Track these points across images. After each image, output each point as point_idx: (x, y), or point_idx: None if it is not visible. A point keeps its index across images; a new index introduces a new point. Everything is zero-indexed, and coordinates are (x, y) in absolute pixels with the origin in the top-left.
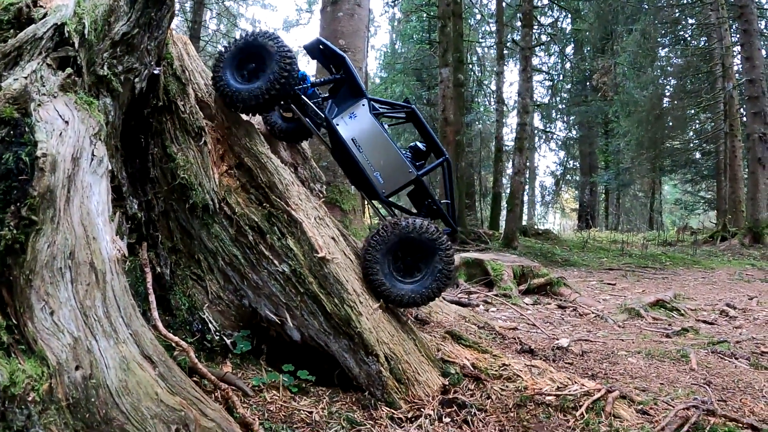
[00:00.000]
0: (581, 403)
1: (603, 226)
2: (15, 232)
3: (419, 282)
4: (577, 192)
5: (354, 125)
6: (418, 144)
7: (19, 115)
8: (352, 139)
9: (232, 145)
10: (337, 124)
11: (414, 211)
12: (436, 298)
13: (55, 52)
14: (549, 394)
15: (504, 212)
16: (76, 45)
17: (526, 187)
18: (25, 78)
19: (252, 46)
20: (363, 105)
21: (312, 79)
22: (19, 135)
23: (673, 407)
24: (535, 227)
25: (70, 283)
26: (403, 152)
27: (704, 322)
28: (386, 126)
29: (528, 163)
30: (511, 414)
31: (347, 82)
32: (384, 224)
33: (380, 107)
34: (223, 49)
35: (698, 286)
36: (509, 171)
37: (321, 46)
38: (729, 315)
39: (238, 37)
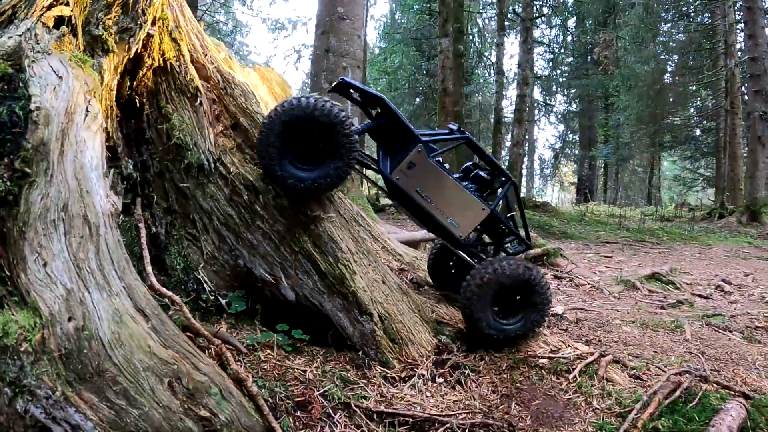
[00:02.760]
0: (574, 367)
1: (601, 200)
2: (8, 184)
3: (520, 322)
4: (576, 165)
5: (415, 175)
6: (480, 173)
7: (13, 71)
8: (417, 190)
9: (228, 106)
10: (397, 178)
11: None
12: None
13: (50, 11)
14: (542, 357)
15: None
16: (71, 4)
17: (525, 159)
18: (20, 35)
19: (305, 121)
20: (419, 151)
21: (356, 127)
22: (13, 89)
23: (666, 373)
24: (533, 199)
25: (64, 235)
26: (470, 188)
27: (699, 296)
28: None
29: (527, 136)
30: (504, 375)
31: (392, 126)
32: (485, 270)
33: (436, 146)
34: (268, 123)
35: (694, 262)
36: (508, 143)
37: (351, 89)
38: (724, 290)
39: (280, 108)
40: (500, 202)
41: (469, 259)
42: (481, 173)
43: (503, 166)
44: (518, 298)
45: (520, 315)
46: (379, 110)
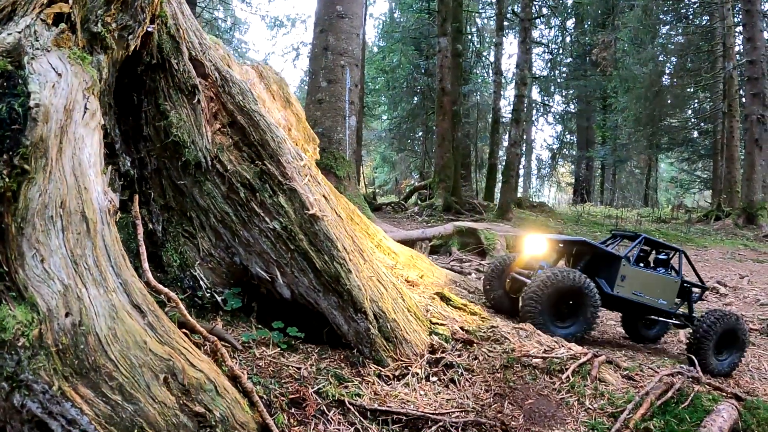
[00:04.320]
0: (567, 367)
1: (598, 201)
2: (7, 180)
3: (729, 359)
4: (573, 166)
5: (628, 283)
6: (659, 256)
7: (13, 68)
8: (633, 293)
9: (225, 103)
10: (618, 293)
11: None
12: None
13: (49, 8)
14: (536, 357)
15: (499, 184)
16: (70, 1)
17: (523, 159)
18: (19, 32)
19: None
20: (624, 265)
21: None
22: (12, 86)
23: (659, 373)
24: (530, 200)
25: (61, 231)
26: (661, 271)
27: None
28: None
29: (525, 136)
30: (498, 375)
31: (597, 257)
32: (710, 321)
33: (631, 254)
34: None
35: None
36: (506, 143)
37: (561, 244)
38: (719, 292)
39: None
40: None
41: (675, 321)
42: (660, 256)
43: (673, 245)
44: (728, 341)
45: (728, 353)
46: (580, 247)
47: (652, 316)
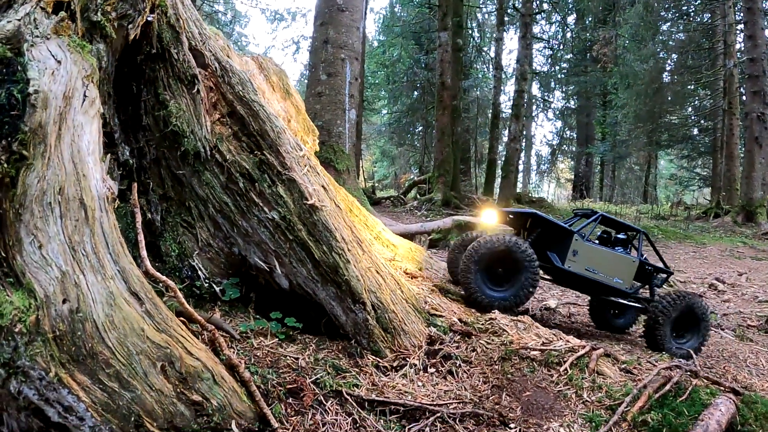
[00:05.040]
0: (565, 359)
1: (597, 197)
2: (6, 166)
3: (692, 341)
4: (572, 162)
5: (580, 259)
6: (618, 236)
7: (12, 55)
8: (586, 269)
9: (225, 93)
10: (570, 267)
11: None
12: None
13: None
14: (534, 349)
15: (499, 179)
16: None
17: (522, 155)
18: (19, 20)
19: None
20: (576, 240)
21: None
22: (11, 73)
23: (656, 367)
24: (530, 195)
25: (59, 218)
26: (619, 250)
27: None
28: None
29: (524, 132)
30: (496, 367)
31: (549, 230)
32: (665, 302)
33: (585, 231)
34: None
35: (689, 260)
36: (505, 138)
37: (510, 216)
38: (718, 289)
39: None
40: (641, 251)
41: (635, 304)
42: (619, 236)
43: (631, 224)
44: (687, 323)
45: (689, 335)
46: (531, 221)
47: (610, 298)
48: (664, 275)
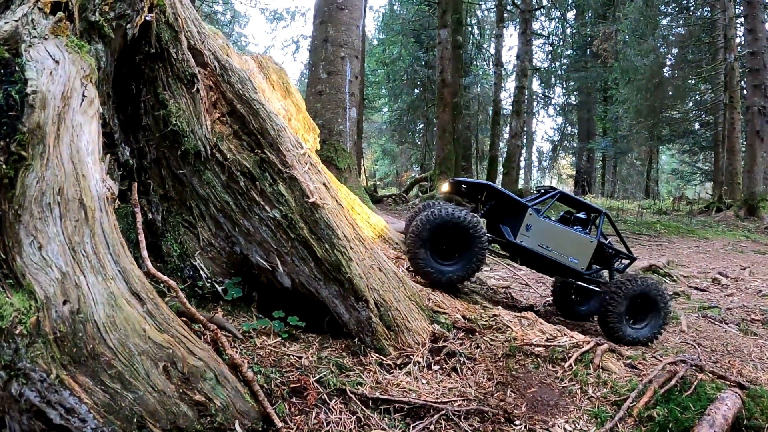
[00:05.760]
0: (570, 355)
1: (599, 192)
2: (4, 167)
3: (647, 327)
4: (574, 158)
5: (534, 234)
6: (578, 215)
7: (10, 55)
8: (539, 245)
9: (225, 92)
10: (522, 242)
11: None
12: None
13: None
14: (538, 345)
15: (500, 176)
16: None
17: (523, 151)
18: (16, 20)
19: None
20: (530, 214)
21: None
22: (9, 74)
23: (662, 362)
24: (531, 192)
25: (59, 218)
26: (577, 229)
27: (696, 288)
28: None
29: (525, 128)
30: (500, 363)
31: (502, 203)
32: (618, 284)
33: (541, 207)
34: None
35: (692, 255)
36: (506, 135)
37: (463, 185)
38: (721, 283)
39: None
40: (601, 232)
41: (592, 286)
42: (579, 215)
43: (594, 205)
44: (643, 306)
45: (647, 321)
46: (486, 193)
47: (568, 279)
48: (627, 261)
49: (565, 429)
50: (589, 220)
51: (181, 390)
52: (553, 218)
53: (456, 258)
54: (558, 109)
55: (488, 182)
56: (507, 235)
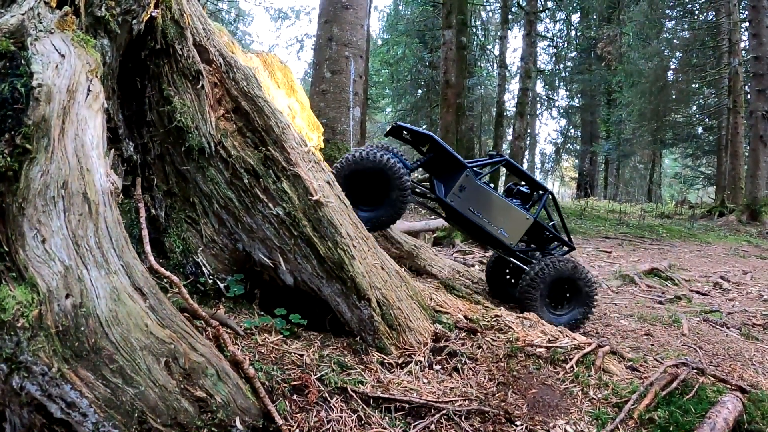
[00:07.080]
0: (571, 356)
1: (601, 195)
2: (9, 159)
3: (569, 313)
4: (577, 161)
5: (466, 197)
6: (521, 188)
7: (16, 49)
8: (470, 209)
9: (229, 89)
10: (451, 202)
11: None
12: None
13: None
14: (540, 346)
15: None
16: None
17: (526, 153)
18: (22, 14)
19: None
20: (467, 175)
21: (409, 164)
22: (15, 67)
23: (663, 364)
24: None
25: (63, 212)
26: (515, 202)
27: (698, 292)
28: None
29: (529, 130)
30: (502, 364)
31: (442, 158)
32: (541, 267)
33: (481, 170)
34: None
35: (693, 259)
36: (509, 137)
37: (404, 131)
38: (723, 287)
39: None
40: (541, 212)
41: (521, 264)
42: (522, 189)
43: (541, 182)
44: (567, 292)
45: (570, 307)
46: (429, 146)
47: (497, 250)
48: (565, 248)
49: (566, 430)
50: (532, 197)
51: (182, 385)
52: (492, 185)
53: (378, 203)
54: (561, 111)
55: (432, 134)
56: (438, 192)
